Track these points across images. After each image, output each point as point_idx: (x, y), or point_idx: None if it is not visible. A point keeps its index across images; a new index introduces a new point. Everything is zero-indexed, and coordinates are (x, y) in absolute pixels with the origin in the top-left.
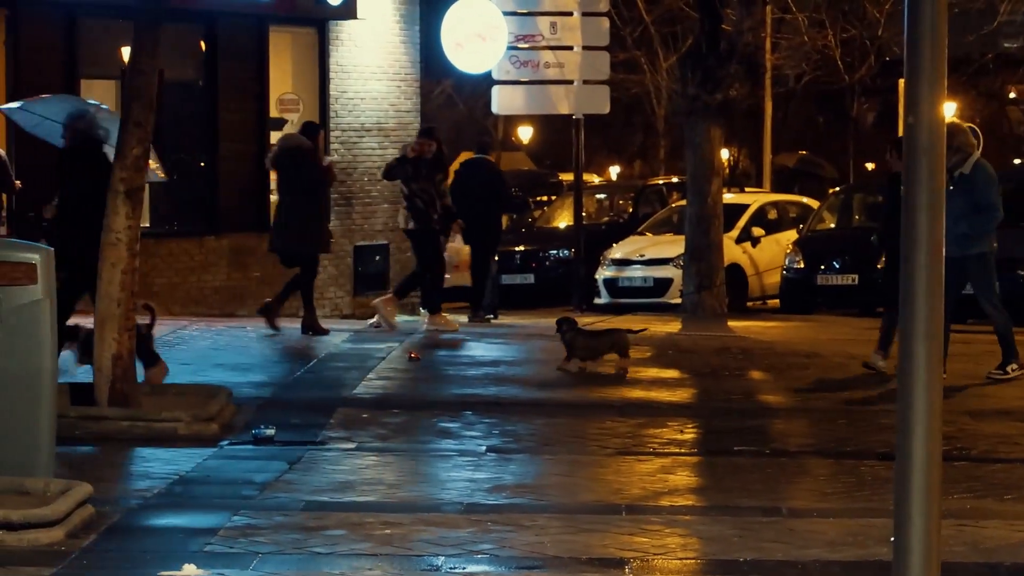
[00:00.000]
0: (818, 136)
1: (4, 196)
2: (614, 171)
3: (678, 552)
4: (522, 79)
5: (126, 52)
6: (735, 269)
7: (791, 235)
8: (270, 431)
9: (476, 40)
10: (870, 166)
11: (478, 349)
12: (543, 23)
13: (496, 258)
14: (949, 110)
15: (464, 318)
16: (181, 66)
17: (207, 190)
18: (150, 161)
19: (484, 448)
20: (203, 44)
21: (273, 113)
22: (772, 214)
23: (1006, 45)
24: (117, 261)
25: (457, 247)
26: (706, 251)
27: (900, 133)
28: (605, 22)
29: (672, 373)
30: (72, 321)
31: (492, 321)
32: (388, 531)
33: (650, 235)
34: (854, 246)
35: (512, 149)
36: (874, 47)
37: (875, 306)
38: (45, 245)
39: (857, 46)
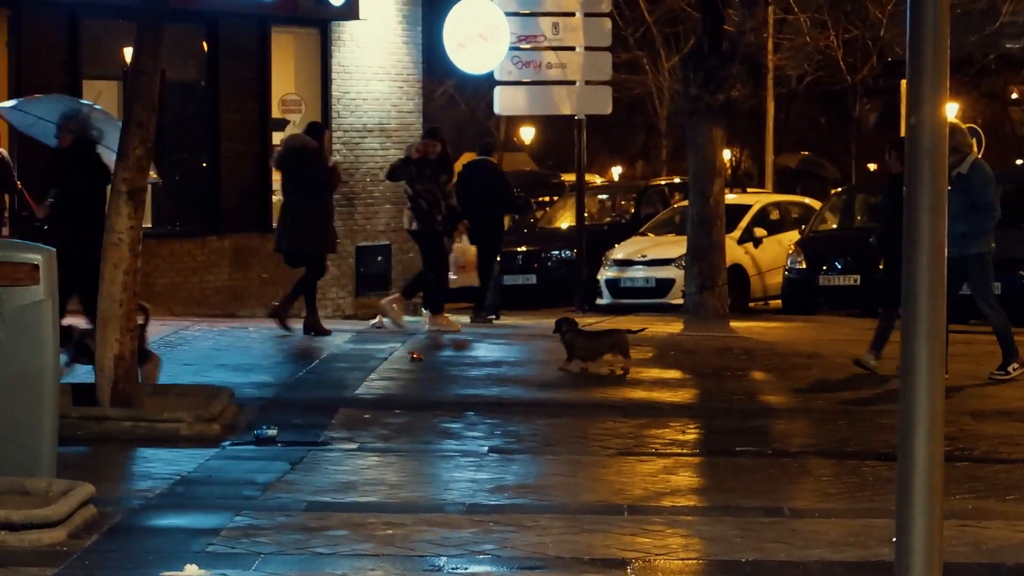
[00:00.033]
0: (820, 137)
1: (6, 197)
2: (616, 172)
3: (680, 552)
4: (524, 80)
5: (128, 52)
6: (737, 270)
7: (793, 236)
8: (272, 431)
9: (478, 40)
10: (872, 167)
11: (480, 350)
12: (545, 23)
13: (498, 259)
14: (951, 111)
15: (466, 318)
16: (183, 66)
17: (209, 191)
18: None
19: (486, 448)
20: (205, 44)
21: (275, 114)
22: (774, 215)
23: (1008, 46)
24: (119, 261)
25: (464, 247)
26: (708, 252)
27: (902, 134)
28: (607, 22)
29: (674, 373)
30: (65, 321)
31: (494, 322)
32: (390, 531)
33: (652, 236)
34: (856, 247)
35: (514, 150)
36: (876, 48)
37: (877, 307)
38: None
39: (859, 47)
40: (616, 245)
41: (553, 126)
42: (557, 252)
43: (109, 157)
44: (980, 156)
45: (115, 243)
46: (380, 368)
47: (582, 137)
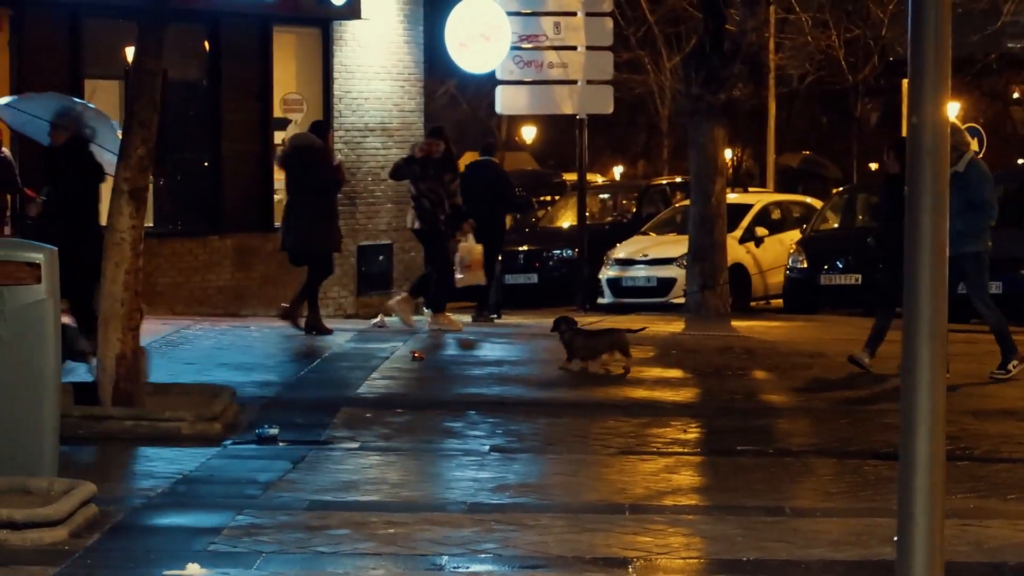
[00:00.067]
0: (822, 136)
1: (8, 197)
2: (618, 171)
3: (681, 552)
4: (526, 79)
5: (130, 52)
6: (738, 269)
7: (794, 235)
8: (274, 430)
9: (480, 40)
10: (874, 166)
11: (482, 349)
12: (547, 23)
13: (500, 258)
14: (953, 110)
15: (467, 318)
16: (185, 66)
17: (211, 190)
18: None
19: (488, 447)
20: (207, 44)
21: (277, 113)
22: (776, 214)
23: (1010, 45)
24: (121, 261)
25: (470, 246)
26: (709, 251)
27: (904, 133)
28: (609, 22)
29: (675, 373)
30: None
31: (496, 321)
32: (392, 530)
33: (653, 235)
34: (858, 246)
35: (516, 149)
36: (878, 47)
37: (875, 306)
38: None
39: (861, 46)
40: (617, 244)
41: (555, 125)
42: (559, 251)
43: (101, 156)
44: (981, 155)
45: (117, 242)
46: (382, 367)
47: (583, 136)
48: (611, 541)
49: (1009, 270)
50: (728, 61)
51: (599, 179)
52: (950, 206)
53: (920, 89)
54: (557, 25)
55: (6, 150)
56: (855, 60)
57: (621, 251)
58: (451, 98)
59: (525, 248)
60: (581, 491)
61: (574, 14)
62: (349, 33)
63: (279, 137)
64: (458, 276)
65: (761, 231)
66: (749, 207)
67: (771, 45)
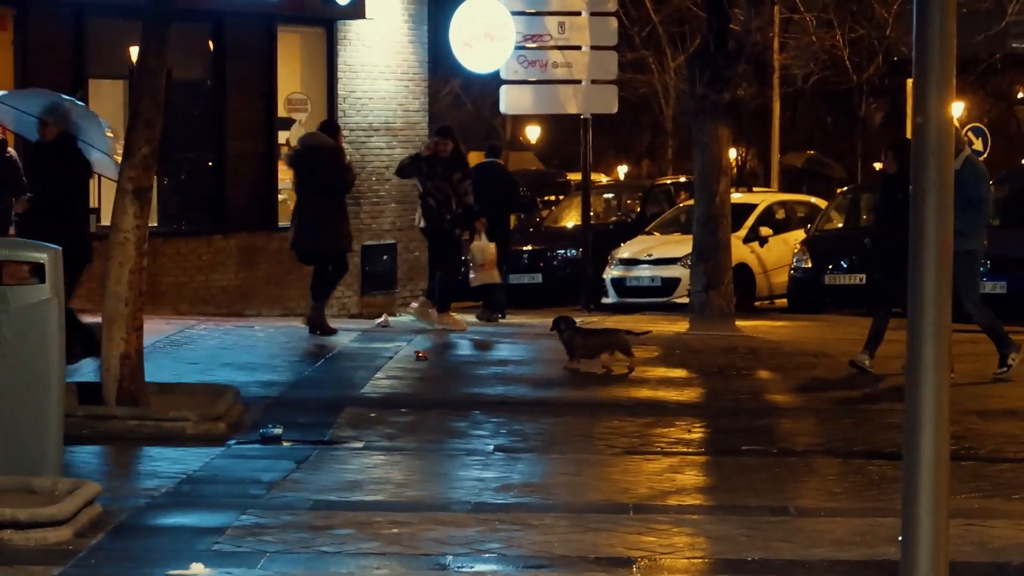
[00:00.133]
0: (826, 136)
1: (12, 199)
2: (622, 171)
3: (686, 551)
4: (530, 79)
5: (134, 52)
6: (743, 269)
7: (799, 235)
8: (278, 430)
9: (484, 40)
10: (878, 166)
11: (486, 349)
12: (551, 23)
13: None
14: (957, 110)
15: (472, 317)
16: (189, 65)
17: (215, 189)
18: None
19: (492, 447)
20: (211, 44)
21: (281, 113)
22: (780, 214)
23: (1014, 45)
24: (125, 260)
25: (483, 246)
26: (714, 251)
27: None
28: (613, 22)
29: (679, 372)
30: None
31: (500, 320)
32: (396, 530)
33: (658, 235)
34: (862, 246)
35: (520, 149)
36: (882, 47)
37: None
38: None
39: (865, 46)
40: (622, 244)
41: (559, 125)
42: (563, 251)
43: (89, 153)
44: (985, 156)
45: (121, 242)
46: (386, 367)
47: (588, 136)
48: (615, 541)
49: (1013, 270)
50: (732, 61)
51: (603, 179)
52: None
53: (925, 89)
54: (561, 25)
55: (12, 151)
56: (859, 60)
57: (625, 251)
58: (455, 98)
59: (529, 248)
60: (585, 491)
61: (578, 14)
62: (353, 33)
63: (283, 137)
64: (472, 275)
65: (765, 231)
66: (753, 207)
67: (775, 45)
